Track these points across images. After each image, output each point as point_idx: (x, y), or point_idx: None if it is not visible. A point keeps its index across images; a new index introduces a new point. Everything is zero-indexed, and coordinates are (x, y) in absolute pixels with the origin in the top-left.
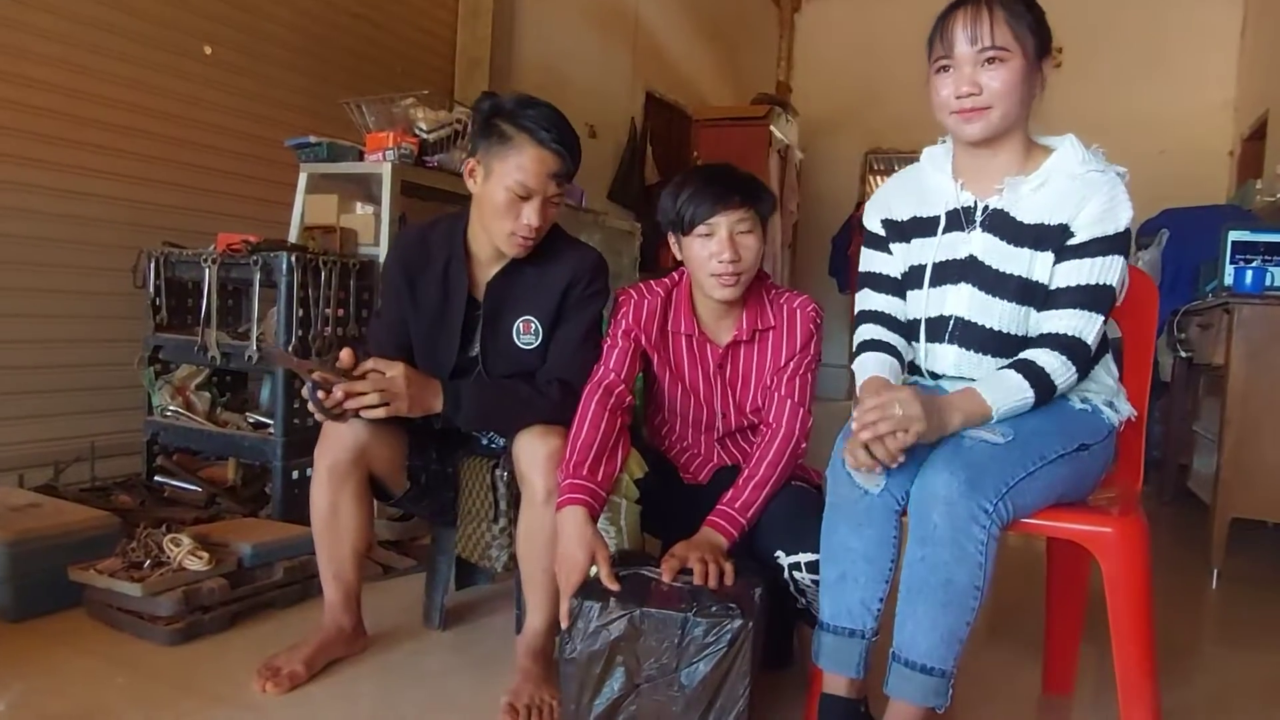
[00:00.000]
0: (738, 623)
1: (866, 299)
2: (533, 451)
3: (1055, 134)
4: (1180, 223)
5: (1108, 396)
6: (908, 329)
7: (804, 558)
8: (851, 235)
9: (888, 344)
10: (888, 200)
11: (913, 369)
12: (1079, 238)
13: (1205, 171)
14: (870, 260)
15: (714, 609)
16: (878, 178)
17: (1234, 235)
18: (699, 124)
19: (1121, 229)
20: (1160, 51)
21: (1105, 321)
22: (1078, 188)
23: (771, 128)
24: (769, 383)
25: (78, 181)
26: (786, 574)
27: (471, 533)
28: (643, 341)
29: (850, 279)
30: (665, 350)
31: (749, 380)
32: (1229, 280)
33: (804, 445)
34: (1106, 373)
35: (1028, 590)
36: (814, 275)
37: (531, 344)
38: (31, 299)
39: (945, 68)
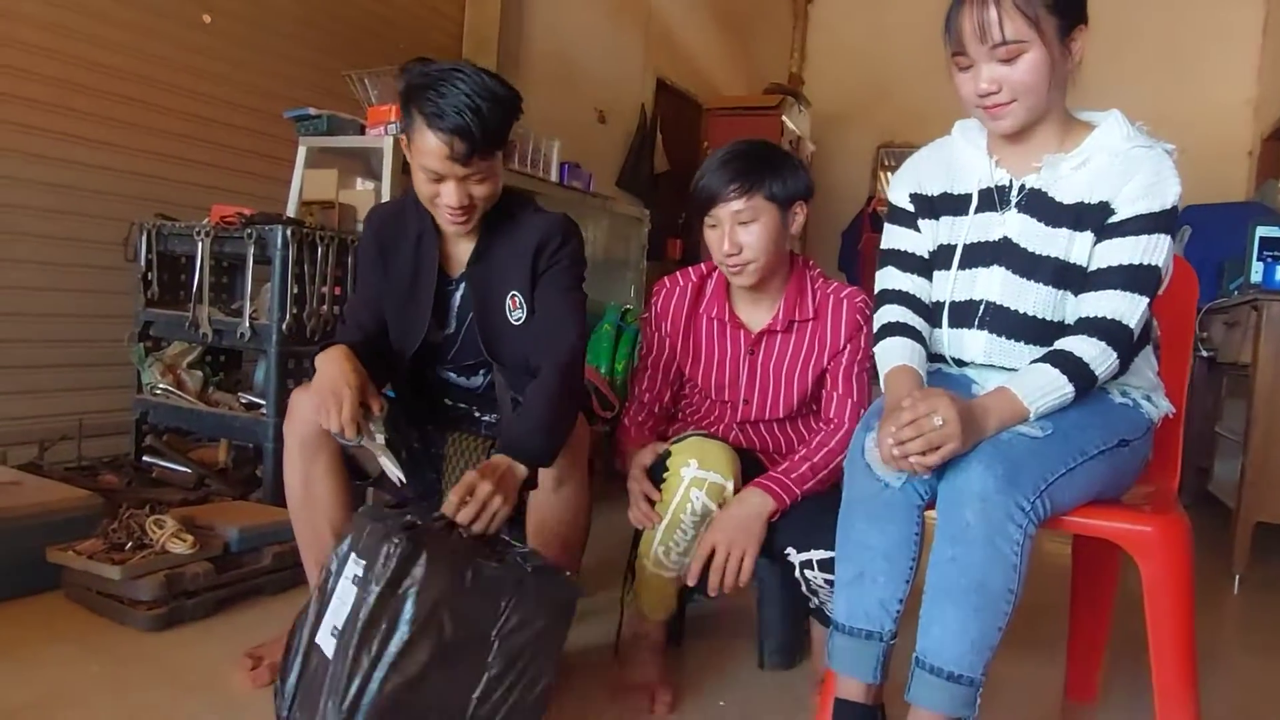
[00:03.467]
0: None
1: (889, 277)
2: None
3: (1099, 109)
4: (1202, 220)
5: (1147, 390)
6: (930, 312)
7: (815, 555)
8: (861, 230)
9: (913, 328)
10: (917, 173)
11: (935, 357)
12: (1121, 214)
13: (1224, 171)
14: (895, 237)
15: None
16: (889, 174)
17: (1262, 231)
18: (710, 113)
19: (1168, 205)
20: (1180, 50)
21: (1150, 305)
22: (1121, 164)
23: (784, 118)
24: (809, 379)
25: (69, 150)
26: (797, 572)
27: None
28: (666, 329)
29: (859, 274)
30: (693, 332)
31: (780, 371)
32: (1257, 277)
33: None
34: (1147, 365)
35: (1046, 590)
36: (824, 268)
37: (521, 319)
38: (19, 271)
39: (960, 64)
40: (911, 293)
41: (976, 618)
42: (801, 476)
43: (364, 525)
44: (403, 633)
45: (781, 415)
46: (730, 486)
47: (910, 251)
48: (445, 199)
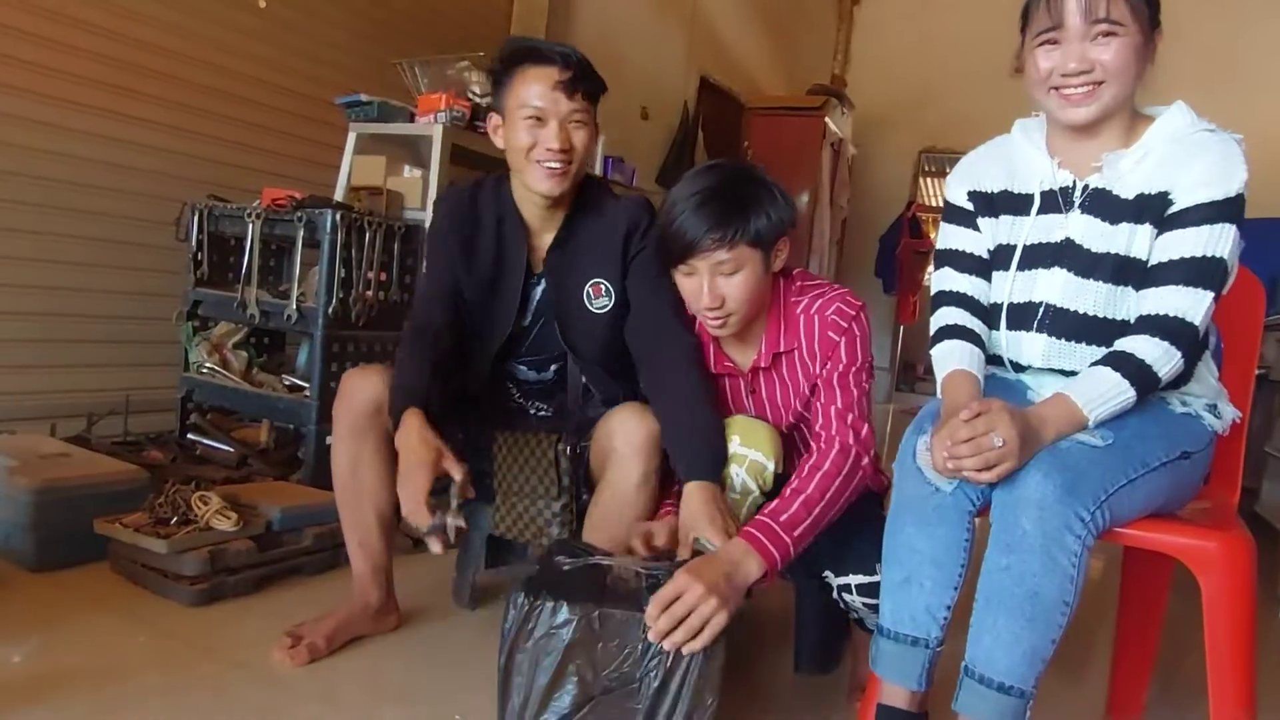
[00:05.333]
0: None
1: (946, 279)
2: (630, 432)
3: (1163, 103)
4: (1257, 234)
5: (1210, 399)
6: (989, 313)
7: (854, 580)
8: (900, 235)
9: (971, 331)
10: (975, 171)
11: (991, 358)
12: (1183, 203)
13: (1277, 182)
14: (952, 236)
15: None
16: (930, 180)
17: None
18: (752, 112)
19: (1233, 193)
20: (1232, 61)
21: (1216, 300)
22: (1183, 150)
23: (826, 119)
24: (804, 400)
25: (123, 129)
26: (835, 594)
27: (524, 511)
28: None
29: (896, 280)
30: None
31: (777, 400)
32: None
33: (865, 459)
34: (1209, 372)
35: (1083, 603)
36: (860, 273)
37: (605, 306)
38: (71, 246)
39: (1051, 40)
40: (970, 294)
41: (1030, 628)
42: (793, 519)
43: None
44: (540, 683)
45: (785, 430)
46: (771, 467)
47: (969, 252)
48: (546, 140)
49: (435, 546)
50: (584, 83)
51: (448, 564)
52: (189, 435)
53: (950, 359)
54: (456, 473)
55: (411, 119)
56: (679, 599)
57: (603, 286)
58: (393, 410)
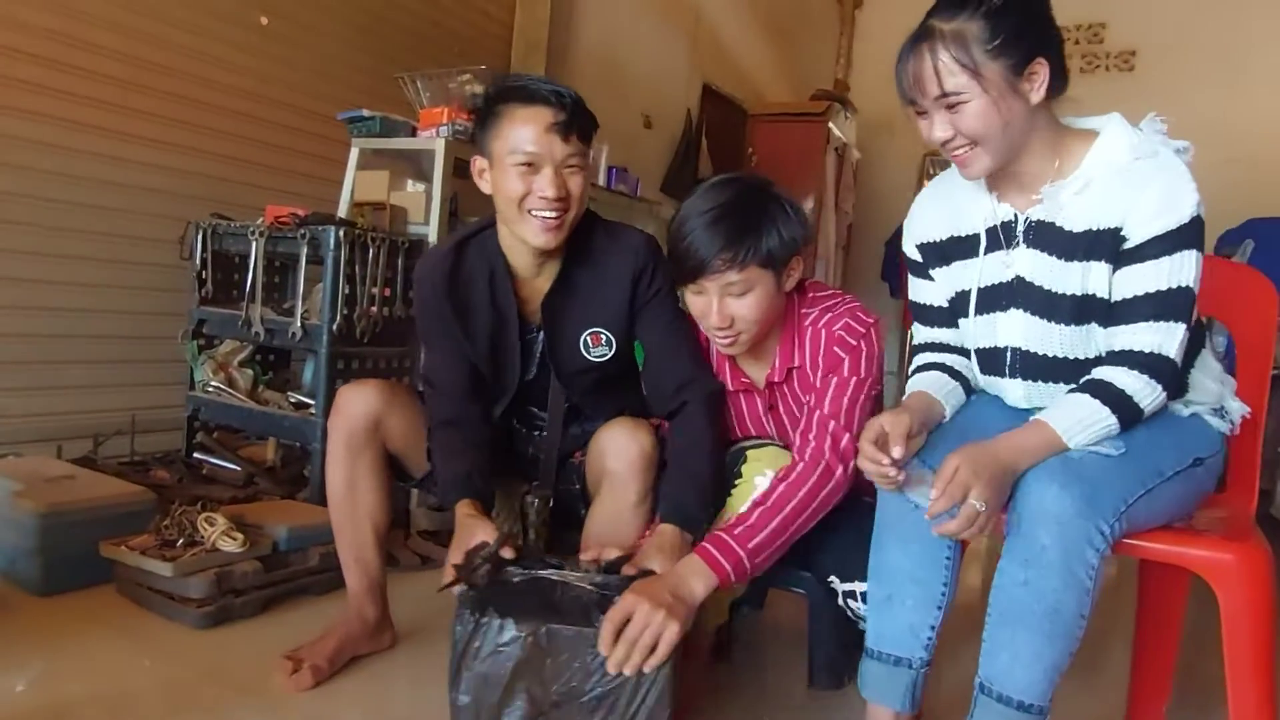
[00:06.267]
0: None
1: (918, 332)
2: (622, 450)
3: (1097, 113)
4: (1267, 233)
5: (1212, 403)
6: (969, 354)
7: (859, 586)
8: None
9: (947, 365)
10: (922, 221)
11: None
12: (1137, 238)
13: None
14: (915, 289)
15: None
16: None
17: None
18: (755, 119)
19: (1187, 219)
20: (1244, 59)
21: (1188, 327)
22: (1126, 181)
23: (830, 125)
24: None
25: (128, 149)
26: (841, 600)
27: None
28: None
29: (902, 284)
30: None
31: (794, 414)
32: None
33: (839, 469)
34: (1207, 376)
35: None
36: (867, 277)
37: (605, 355)
38: (75, 267)
39: (918, 112)
40: (941, 341)
41: (1050, 645)
42: (751, 530)
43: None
44: (490, 700)
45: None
46: None
47: (930, 304)
48: (541, 189)
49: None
50: (579, 123)
51: None
52: (195, 454)
53: (915, 387)
54: (511, 553)
55: (414, 133)
56: (630, 620)
57: (602, 336)
58: (446, 501)
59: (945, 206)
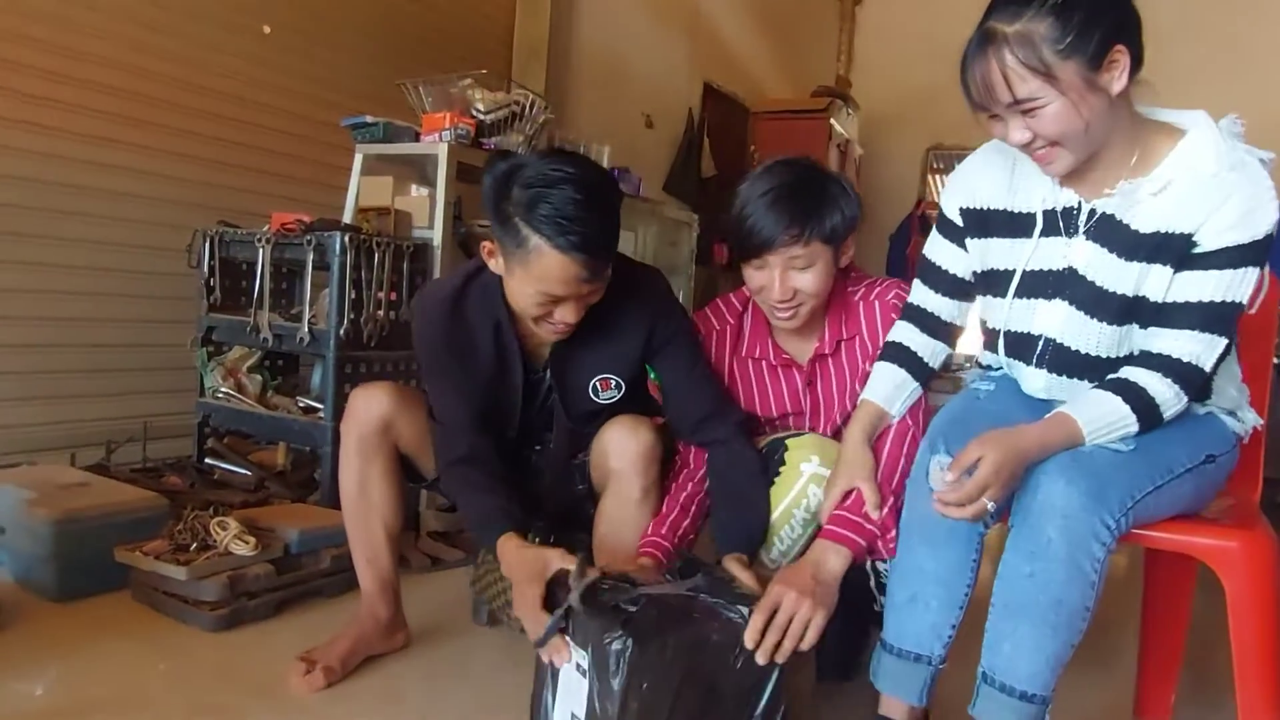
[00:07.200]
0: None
1: (917, 291)
2: (624, 447)
3: (1181, 106)
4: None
5: (1230, 407)
6: (950, 332)
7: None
8: (910, 234)
9: (913, 354)
10: (971, 183)
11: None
12: (1208, 245)
13: None
14: (935, 249)
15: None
16: (938, 177)
17: None
18: (757, 116)
19: (1261, 235)
20: (1243, 51)
21: (1230, 344)
22: (1210, 190)
23: (831, 121)
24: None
25: (132, 159)
26: (869, 564)
27: (494, 580)
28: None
29: (907, 279)
30: (738, 378)
31: (837, 391)
32: None
33: (913, 430)
34: (1230, 383)
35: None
36: (872, 272)
37: (614, 398)
38: (85, 277)
39: (995, 116)
40: (933, 312)
41: (1054, 636)
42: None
43: (579, 616)
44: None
45: (841, 423)
46: None
47: (947, 270)
48: (562, 316)
49: (552, 658)
50: (604, 264)
51: (462, 582)
52: (207, 460)
53: (873, 383)
54: (565, 563)
55: (417, 138)
56: (779, 609)
57: (612, 381)
58: (485, 539)
59: (1002, 176)
